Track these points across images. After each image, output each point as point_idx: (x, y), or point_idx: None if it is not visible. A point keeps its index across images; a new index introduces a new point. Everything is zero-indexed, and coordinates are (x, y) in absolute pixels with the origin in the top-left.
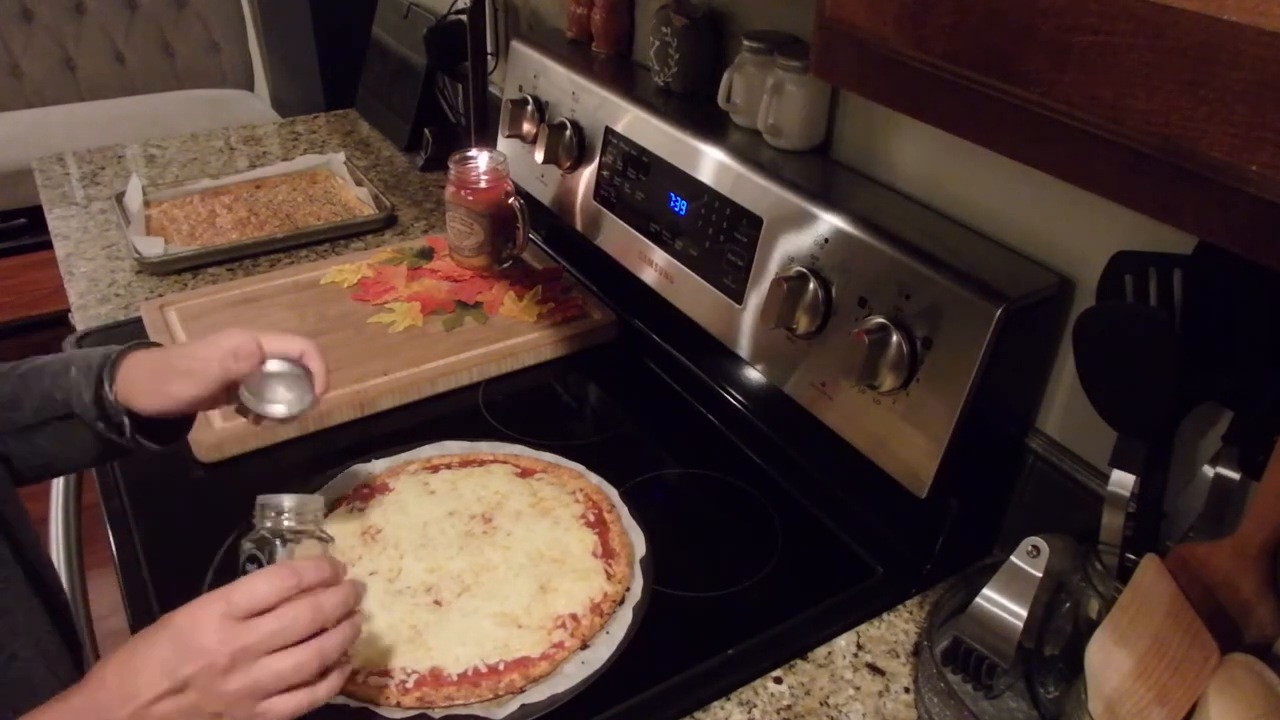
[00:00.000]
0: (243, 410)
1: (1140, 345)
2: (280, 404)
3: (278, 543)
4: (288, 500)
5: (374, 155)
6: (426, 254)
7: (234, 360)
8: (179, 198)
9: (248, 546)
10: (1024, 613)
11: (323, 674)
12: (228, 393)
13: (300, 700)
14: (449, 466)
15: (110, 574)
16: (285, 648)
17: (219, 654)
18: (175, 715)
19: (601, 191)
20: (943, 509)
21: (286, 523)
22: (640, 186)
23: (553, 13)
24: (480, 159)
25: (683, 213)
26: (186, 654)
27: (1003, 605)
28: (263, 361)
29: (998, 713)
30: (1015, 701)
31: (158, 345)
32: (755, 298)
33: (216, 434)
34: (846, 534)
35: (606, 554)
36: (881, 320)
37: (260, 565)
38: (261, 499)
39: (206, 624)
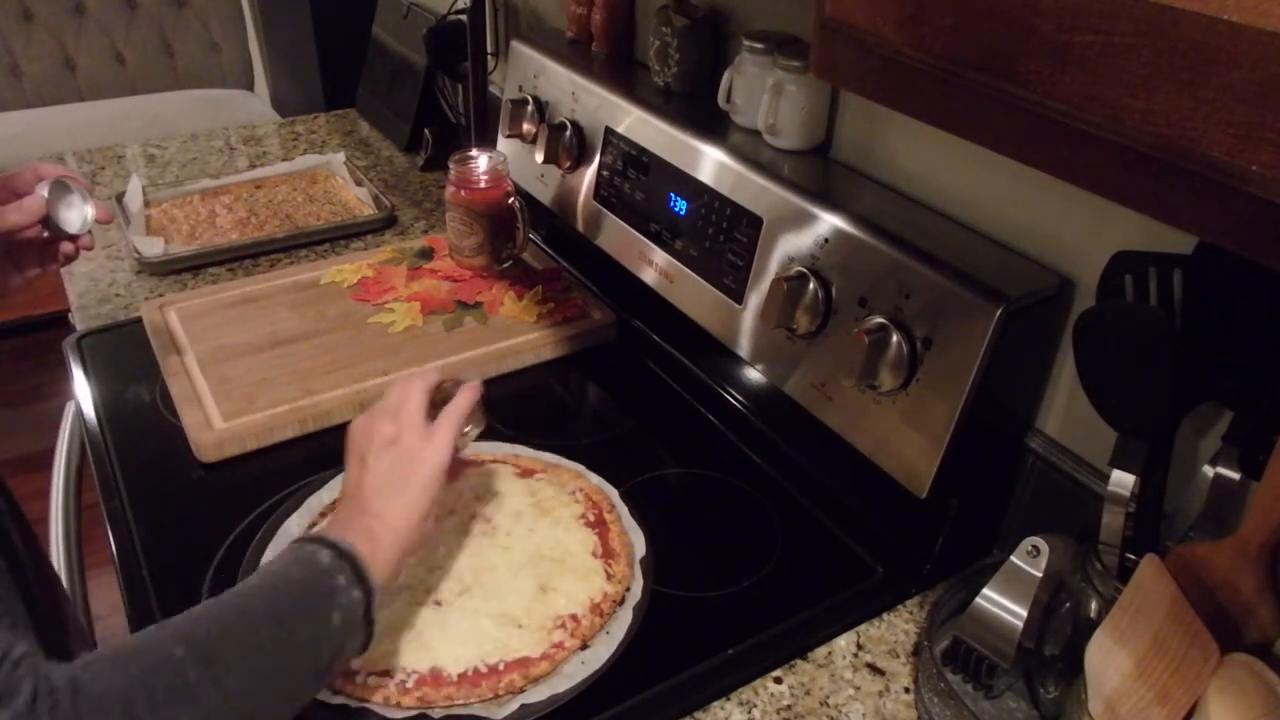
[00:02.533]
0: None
1: (1140, 345)
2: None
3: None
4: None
5: (374, 155)
6: (426, 254)
7: (16, 214)
8: (179, 198)
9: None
10: (1024, 613)
11: None
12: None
13: None
14: None
15: (110, 574)
16: None
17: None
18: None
19: (601, 191)
20: (943, 509)
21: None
22: (640, 186)
23: (553, 13)
24: (480, 159)
25: (683, 213)
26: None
27: (1003, 605)
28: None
29: (998, 713)
30: (1015, 701)
31: None
32: (755, 298)
33: (216, 434)
34: (846, 534)
35: (606, 554)
36: (881, 320)
37: None
38: None
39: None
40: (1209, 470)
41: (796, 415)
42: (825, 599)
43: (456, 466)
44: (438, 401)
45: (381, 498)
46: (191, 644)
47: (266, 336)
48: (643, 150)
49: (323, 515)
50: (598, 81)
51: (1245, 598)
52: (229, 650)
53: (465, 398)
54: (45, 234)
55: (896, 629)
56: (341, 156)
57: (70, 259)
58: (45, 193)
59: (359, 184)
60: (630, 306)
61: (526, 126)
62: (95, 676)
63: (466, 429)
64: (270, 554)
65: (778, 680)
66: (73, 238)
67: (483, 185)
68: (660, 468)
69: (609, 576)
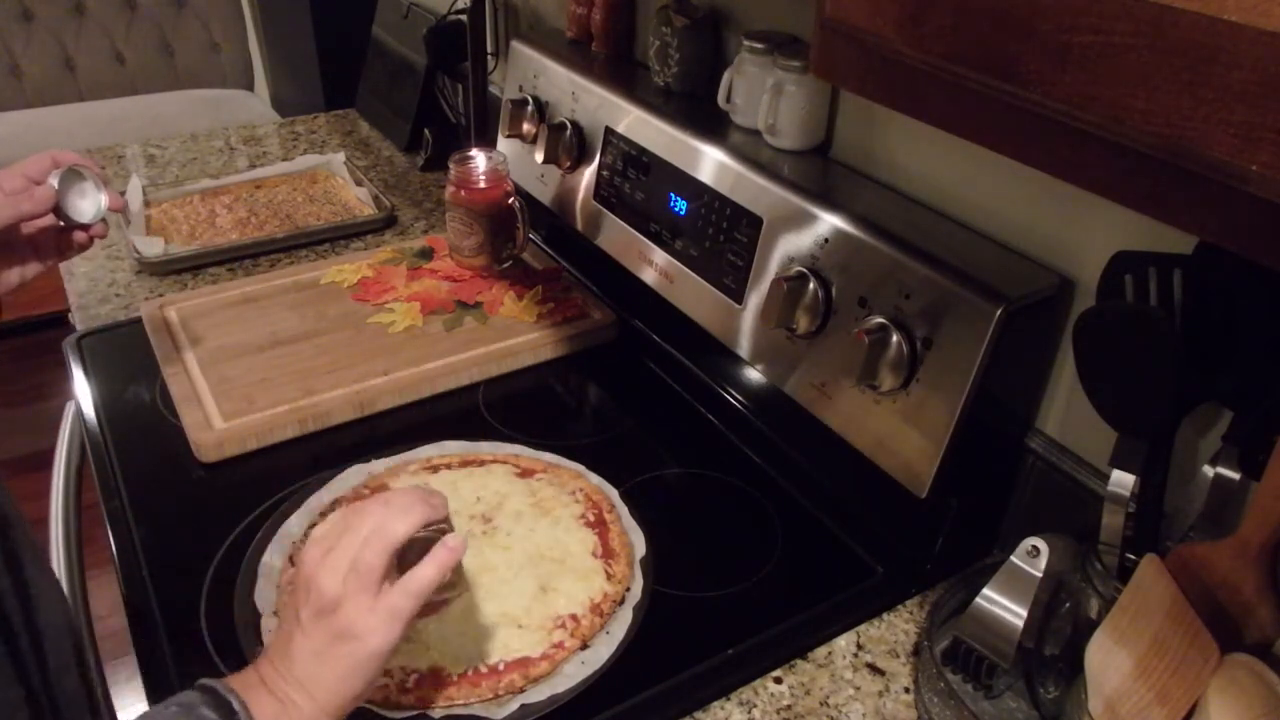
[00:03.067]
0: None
1: (1140, 345)
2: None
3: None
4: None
5: (374, 155)
6: (426, 254)
7: (29, 203)
8: (179, 198)
9: None
10: (1024, 613)
11: None
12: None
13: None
14: (449, 466)
15: (110, 574)
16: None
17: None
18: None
19: (601, 191)
20: (943, 509)
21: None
22: (640, 186)
23: (553, 13)
24: (480, 159)
25: (683, 213)
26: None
27: (1003, 605)
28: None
29: (998, 713)
30: (1015, 701)
31: None
32: (755, 298)
33: (216, 434)
34: (846, 534)
35: (606, 554)
36: (881, 320)
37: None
38: None
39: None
40: (1209, 470)
41: (796, 415)
42: (825, 599)
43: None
44: (416, 545)
45: (310, 669)
46: None
47: (266, 336)
48: (643, 150)
49: (323, 515)
50: (598, 81)
51: (1245, 598)
52: None
53: (433, 567)
54: (59, 223)
55: (896, 629)
56: (341, 156)
57: (84, 247)
58: (56, 182)
59: (359, 184)
60: (630, 306)
61: (526, 126)
62: None
63: (445, 595)
64: (270, 554)
65: (778, 680)
66: (85, 226)
67: (483, 185)
68: (660, 468)
69: (609, 576)
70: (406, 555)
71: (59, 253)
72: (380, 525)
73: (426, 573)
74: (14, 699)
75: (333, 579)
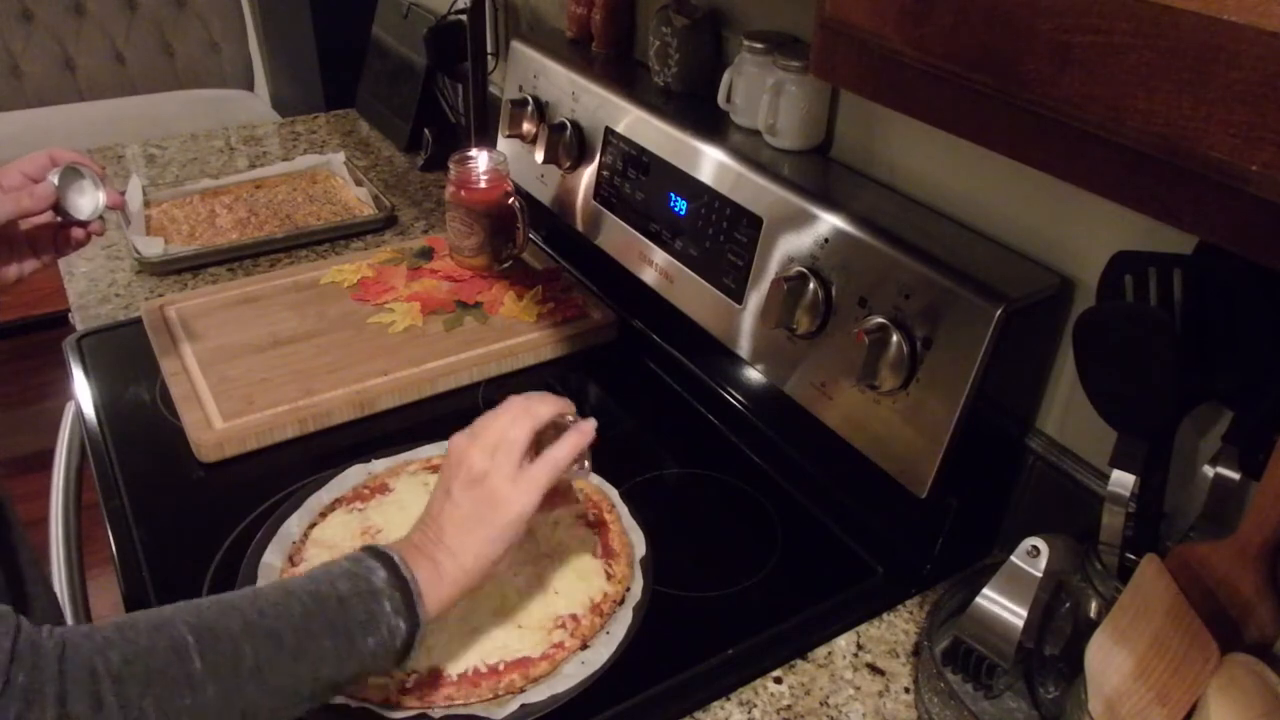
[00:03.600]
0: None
1: (1140, 345)
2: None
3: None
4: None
5: (374, 155)
6: (426, 254)
7: (29, 199)
8: (179, 198)
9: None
10: (1024, 613)
11: None
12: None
13: None
14: None
15: (110, 574)
16: None
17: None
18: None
19: (601, 191)
20: (943, 509)
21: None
22: (640, 186)
23: (553, 13)
24: (480, 159)
25: (683, 213)
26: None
27: (1003, 605)
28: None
29: (998, 713)
30: (1015, 701)
31: None
32: (755, 298)
33: (216, 434)
34: (846, 534)
35: (606, 554)
36: (881, 320)
37: None
38: None
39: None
40: (1209, 470)
41: (796, 415)
42: (825, 599)
43: (547, 503)
44: (550, 434)
45: (458, 534)
46: (206, 635)
47: (266, 336)
48: (643, 150)
49: (323, 515)
50: (598, 81)
51: (1245, 598)
52: (246, 651)
53: (568, 446)
54: (58, 219)
55: (896, 629)
56: (341, 156)
57: (82, 244)
58: (56, 180)
59: (359, 184)
60: (630, 306)
61: (526, 126)
62: (90, 644)
63: (569, 472)
64: (270, 554)
65: (778, 680)
66: (84, 223)
67: (483, 185)
68: (660, 468)
69: (609, 576)
70: (541, 441)
71: (57, 249)
72: (522, 409)
73: (563, 449)
74: None
75: (481, 454)
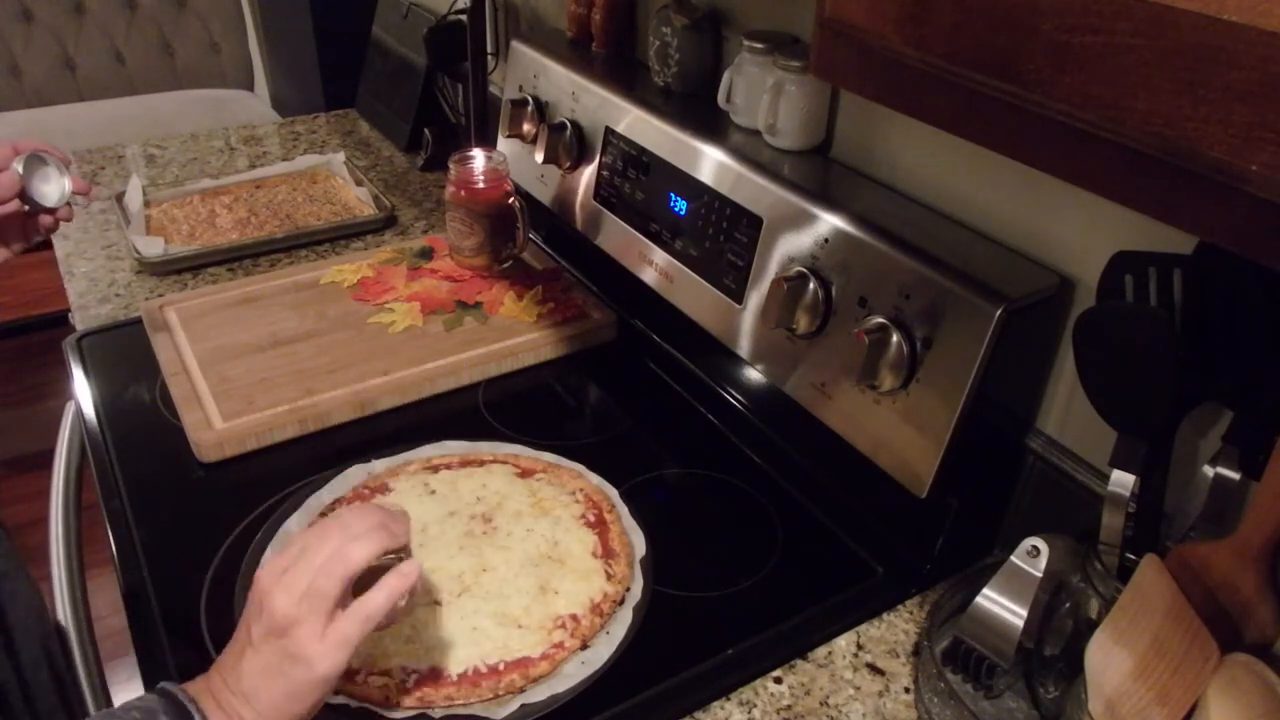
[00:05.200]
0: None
1: (1140, 345)
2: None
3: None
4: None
5: (374, 155)
6: (426, 254)
7: None
8: (179, 198)
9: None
10: (1024, 613)
11: None
12: None
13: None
14: (449, 466)
15: (110, 574)
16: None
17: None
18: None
19: (601, 191)
20: (943, 509)
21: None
22: (640, 186)
23: (553, 13)
24: (480, 159)
25: (683, 213)
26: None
27: (1003, 605)
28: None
29: (998, 713)
30: (1015, 701)
31: None
32: (755, 298)
33: (216, 434)
34: (846, 534)
35: (606, 554)
36: (881, 320)
37: None
38: None
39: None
40: (1209, 470)
41: (796, 415)
42: (825, 599)
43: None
44: (368, 574)
45: (258, 685)
46: None
47: (266, 336)
48: (643, 150)
49: (323, 515)
50: (598, 81)
51: (1245, 598)
52: None
53: (383, 594)
54: (25, 209)
55: (896, 629)
56: (341, 156)
57: (51, 230)
58: (20, 168)
59: (359, 184)
60: (630, 306)
61: (526, 126)
62: None
63: (396, 618)
64: (270, 555)
65: (778, 680)
66: (51, 210)
67: (483, 185)
68: (660, 468)
69: (609, 576)
70: (363, 578)
71: (25, 238)
72: (338, 551)
73: (377, 600)
74: None
75: (287, 600)
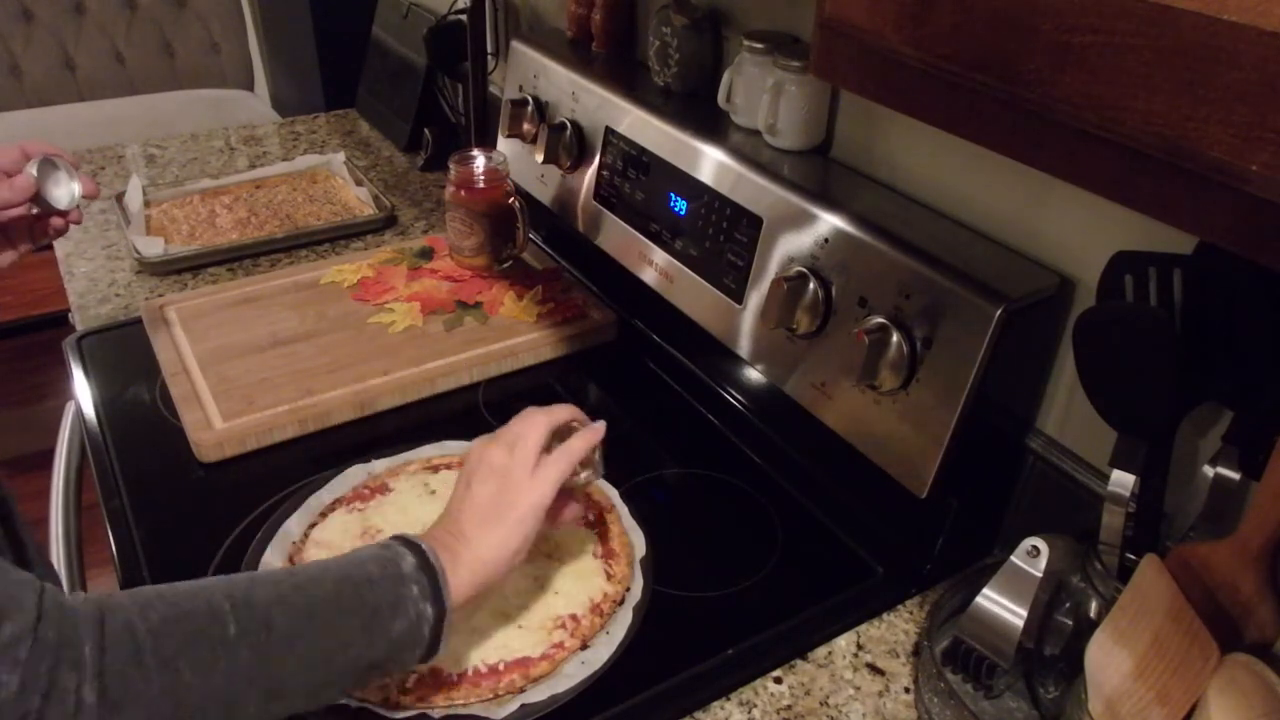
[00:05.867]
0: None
1: (1140, 345)
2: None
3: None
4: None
5: (374, 155)
6: (426, 254)
7: (8, 191)
8: (179, 198)
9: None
10: (1024, 613)
11: None
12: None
13: None
14: (449, 466)
15: (110, 574)
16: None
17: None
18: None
19: (601, 191)
20: (943, 509)
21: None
22: (640, 186)
23: (553, 13)
24: (480, 159)
25: (683, 213)
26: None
27: (1003, 605)
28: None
29: (998, 713)
30: (1015, 701)
31: None
32: (755, 298)
33: (216, 434)
34: (846, 534)
35: (606, 554)
36: (881, 320)
37: None
38: None
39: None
40: (1209, 470)
41: (796, 415)
42: (825, 599)
43: (560, 508)
44: (562, 437)
45: (476, 525)
46: (241, 603)
47: (266, 336)
48: (643, 150)
49: (323, 515)
50: (598, 81)
51: (1245, 598)
52: (278, 621)
53: (582, 441)
54: (34, 210)
55: (896, 629)
56: (341, 156)
57: (60, 233)
58: (34, 171)
59: (359, 184)
60: (630, 306)
61: (526, 126)
62: (131, 605)
63: (582, 474)
64: (270, 555)
65: (778, 680)
66: (62, 213)
67: (483, 185)
68: (660, 468)
69: (609, 576)
70: (553, 446)
71: (33, 239)
72: (540, 411)
73: (576, 443)
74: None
75: (501, 450)
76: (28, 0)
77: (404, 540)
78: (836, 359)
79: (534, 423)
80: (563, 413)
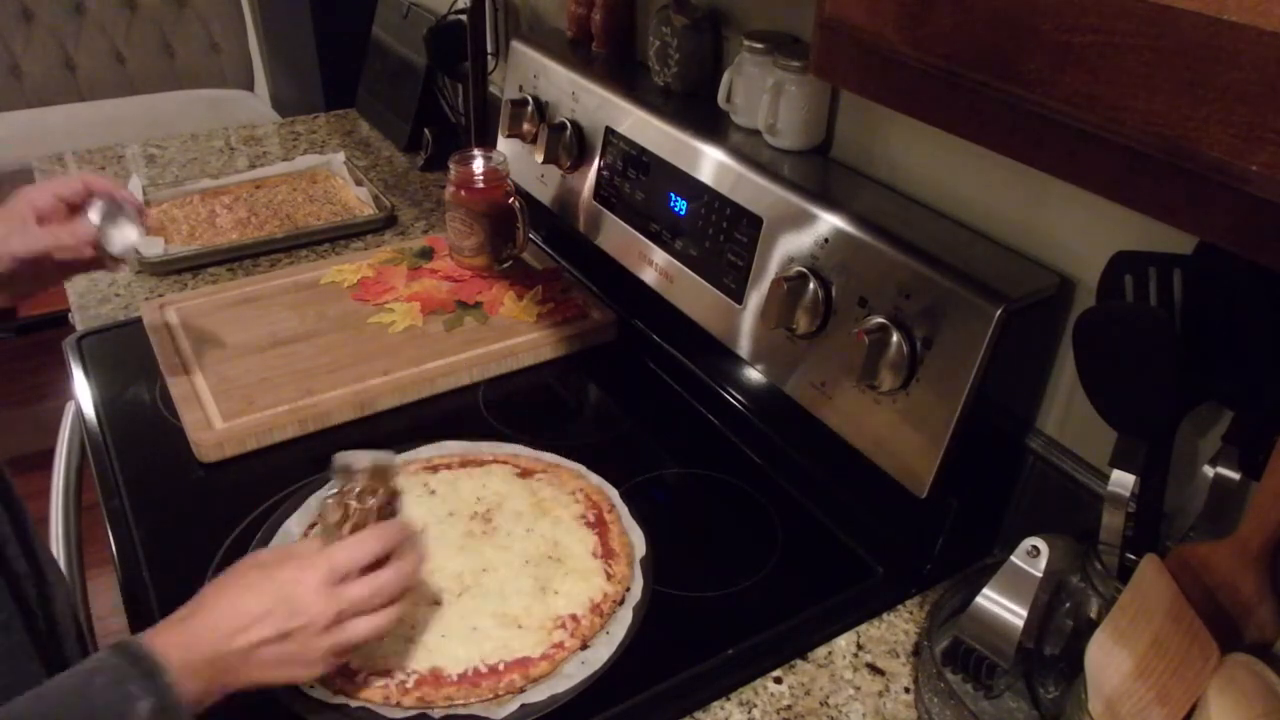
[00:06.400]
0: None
1: (1140, 345)
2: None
3: (353, 502)
4: (364, 459)
5: (374, 155)
6: (426, 254)
7: (69, 239)
8: (179, 198)
9: (329, 504)
10: (1024, 613)
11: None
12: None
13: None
14: (449, 466)
15: (110, 574)
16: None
17: (322, 617)
18: (273, 656)
19: (601, 191)
20: (943, 509)
21: (362, 482)
22: (640, 186)
23: (553, 13)
24: (480, 159)
25: (683, 213)
26: (294, 613)
27: (1003, 605)
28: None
29: (998, 713)
30: (1015, 701)
31: None
32: (755, 298)
33: (216, 434)
34: (846, 534)
35: (606, 554)
36: (881, 320)
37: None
38: (339, 458)
39: (312, 587)
40: (1209, 470)
41: (796, 415)
42: (825, 599)
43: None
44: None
45: (215, 590)
46: None
47: (266, 336)
48: (643, 150)
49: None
50: (598, 81)
51: (1245, 598)
52: None
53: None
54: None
55: (896, 629)
56: (341, 156)
57: (110, 271)
58: (97, 219)
59: (359, 184)
60: (630, 306)
61: (526, 126)
62: None
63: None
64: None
65: (778, 680)
66: (114, 258)
67: (483, 185)
68: (660, 468)
69: (609, 576)
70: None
71: (83, 269)
72: (331, 629)
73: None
74: (35, 672)
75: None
76: (28, 0)
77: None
78: (836, 359)
79: (325, 641)
80: (376, 622)
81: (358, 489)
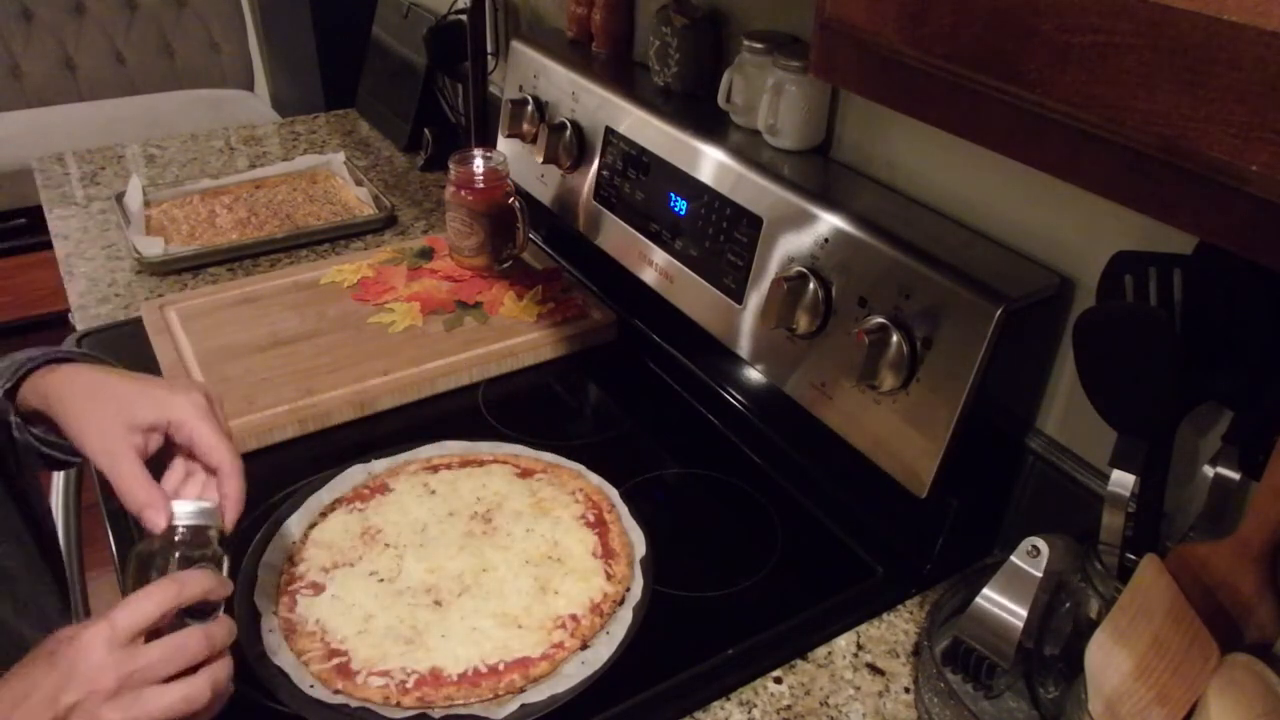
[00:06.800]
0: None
1: (1140, 345)
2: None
3: (173, 555)
4: (181, 509)
5: (374, 155)
6: (426, 254)
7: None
8: (179, 198)
9: (135, 555)
10: (1024, 613)
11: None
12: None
13: None
14: (449, 466)
15: (110, 574)
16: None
17: (103, 681)
18: None
19: (601, 191)
20: (943, 509)
21: (179, 536)
22: (640, 186)
23: (553, 13)
24: (480, 159)
25: (683, 213)
26: (71, 681)
27: (1003, 605)
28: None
29: (998, 713)
30: (1015, 701)
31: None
32: (755, 298)
33: None
34: (846, 534)
35: (606, 554)
36: (881, 320)
37: (151, 576)
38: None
39: (91, 649)
40: (1209, 470)
41: (796, 415)
42: (825, 599)
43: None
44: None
45: None
46: None
47: (266, 336)
48: (643, 150)
49: (323, 515)
50: (598, 81)
51: (1245, 598)
52: None
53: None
54: None
55: (896, 629)
56: (341, 156)
57: None
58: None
59: (359, 184)
60: (630, 306)
61: (526, 126)
62: None
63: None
64: (270, 554)
65: (778, 680)
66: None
67: (482, 185)
68: (660, 468)
69: (609, 576)
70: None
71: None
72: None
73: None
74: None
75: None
76: (28, 0)
77: None
78: (836, 359)
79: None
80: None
81: (163, 544)
